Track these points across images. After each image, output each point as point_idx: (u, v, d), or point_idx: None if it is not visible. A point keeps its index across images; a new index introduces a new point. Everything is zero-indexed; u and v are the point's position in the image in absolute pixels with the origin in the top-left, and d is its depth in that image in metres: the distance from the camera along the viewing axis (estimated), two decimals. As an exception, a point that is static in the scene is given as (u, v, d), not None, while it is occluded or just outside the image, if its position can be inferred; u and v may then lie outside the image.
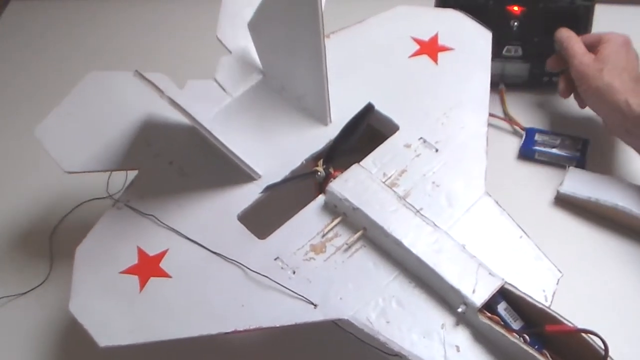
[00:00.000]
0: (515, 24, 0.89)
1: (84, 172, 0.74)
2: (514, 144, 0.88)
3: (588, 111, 0.86)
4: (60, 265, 0.84)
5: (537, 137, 0.87)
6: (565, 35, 0.84)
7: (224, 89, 0.80)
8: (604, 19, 0.89)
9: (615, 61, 0.79)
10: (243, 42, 0.81)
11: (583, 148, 0.85)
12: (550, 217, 0.81)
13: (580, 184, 0.81)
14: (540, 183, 0.84)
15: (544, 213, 0.82)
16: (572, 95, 0.86)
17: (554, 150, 0.85)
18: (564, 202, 0.82)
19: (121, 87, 0.78)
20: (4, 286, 0.82)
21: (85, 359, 0.74)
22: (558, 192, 0.82)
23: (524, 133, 0.88)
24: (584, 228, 0.80)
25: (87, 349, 0.74)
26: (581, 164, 0.84)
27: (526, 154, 0.87)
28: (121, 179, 0.79)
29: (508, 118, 0.90)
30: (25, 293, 0.82)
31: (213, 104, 0.78)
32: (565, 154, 0.85)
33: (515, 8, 0.88)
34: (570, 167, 0.83)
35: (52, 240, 0.86)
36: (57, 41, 1.13)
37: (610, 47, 0.80)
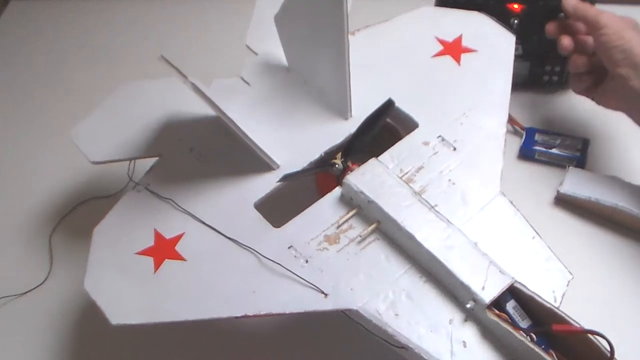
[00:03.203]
0: (515, 22, 0.88)
1: (109, 161, 0.76)
2: (514, 144, 0.88)
3: (588, 111, 0.86)
4: (60, 265, 0.84)
5: (537, 137, 0.87)
6: (574, 2, 0.80)
7: (248, 83, 0.81)
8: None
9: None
10: (270, 47, 0.82)
11: (583, 148, 0.85)
12: (550, 217, 0.81)
13: (580, 184, 0.81)
14: (540, 183, 0.85)
15: (544, 213, 0.82)
16: (572, 96, 0.85)
17: (554, 150, 0.85)
18: (564, 202, 0.82)
19: (150, 91, 0.81)
20: (4, 286, 0.83)
21: (85, 358, 0.76)
22: (558, 192, 0.82)
23: (524, 133, 0.88)
24: (584, 228, 0.81)
25: (87, 349, 0.76)
26: (581, 164, 0.84)
27: (526, 154, 0.87)
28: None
29: (508, 118, 0.89)
30: (25, 293, 0.82)
31: (236, 95, 0.79)
32: (565, 154, 0.85)
33: (515, 6, 0.88)
34: (570, 167, 0.83)
35: (52, 240, 0.87)
36: (57, 41, 1.14)
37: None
